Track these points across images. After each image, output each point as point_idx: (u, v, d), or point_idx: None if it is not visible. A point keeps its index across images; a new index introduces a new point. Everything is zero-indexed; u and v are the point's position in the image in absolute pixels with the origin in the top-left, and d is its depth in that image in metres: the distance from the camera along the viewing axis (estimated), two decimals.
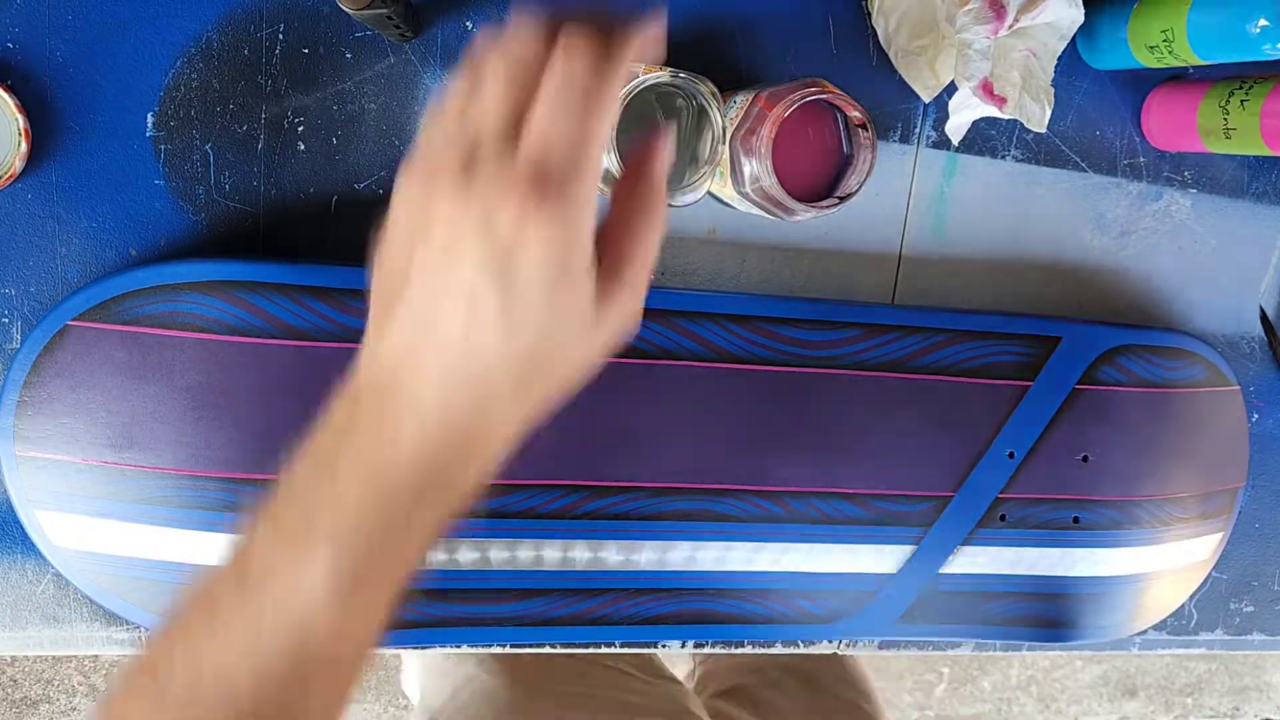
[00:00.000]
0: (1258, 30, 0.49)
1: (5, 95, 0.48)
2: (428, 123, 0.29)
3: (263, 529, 0.29)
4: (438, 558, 0.52)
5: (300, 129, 0.53)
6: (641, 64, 0.47)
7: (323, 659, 0.28)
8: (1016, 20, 0.50)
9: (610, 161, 0.46)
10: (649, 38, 0.30)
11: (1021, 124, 0.61)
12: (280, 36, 0.52)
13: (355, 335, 0.49)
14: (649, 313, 0.53)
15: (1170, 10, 0.53)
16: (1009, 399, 0.59)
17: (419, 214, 0.28)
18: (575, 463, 0.53)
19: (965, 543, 0.59)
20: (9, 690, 1.41)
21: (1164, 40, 0.54)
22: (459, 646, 0.56)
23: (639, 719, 0.72)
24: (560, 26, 0.29)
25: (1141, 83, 0.62)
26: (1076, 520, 0.61)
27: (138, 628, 0.54)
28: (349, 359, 0.28)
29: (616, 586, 0.55)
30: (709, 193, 0.53)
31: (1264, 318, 0.61)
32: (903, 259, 0.61)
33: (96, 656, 1.41)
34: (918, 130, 0.60)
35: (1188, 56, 0.54)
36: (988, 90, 0.51)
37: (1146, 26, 0.55)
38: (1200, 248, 0.66)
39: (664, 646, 0.60)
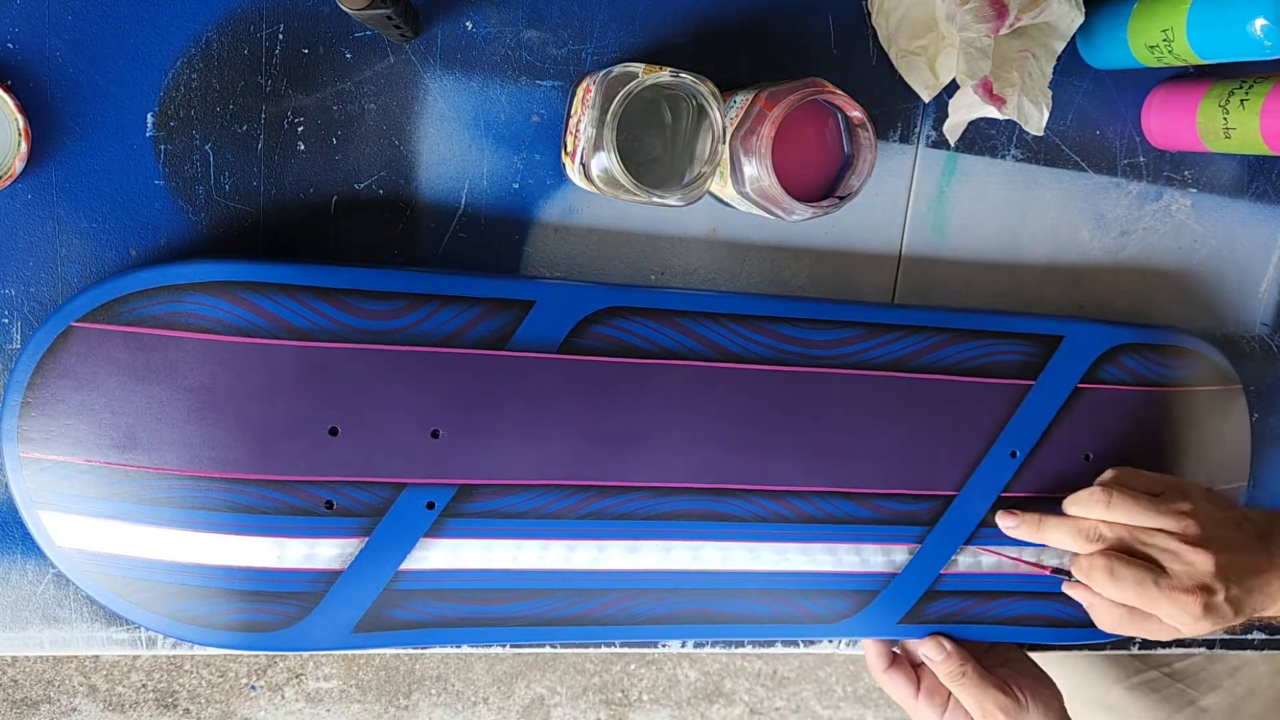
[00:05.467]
0: (1258, 30, 0.49)
1: (5, 95, 0.48)
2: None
3: None
4: (439, 558, 0.52)
5: (300, 129, 0.53)
6: (641, 64, 0.47)
7: None
8: (1018, 19, 0.50)
9: (611, 161, 0.46)
10: None
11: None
12: (280, 36, 0.52)
13: (357, 335, 0.49)
14: (649, 313, 0.53)
15: (1170, 10, 0.53)
16: (1011, 398, 0.59)
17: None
18: (577, 463, 0.53)
19: (968, 542, 0.59)
20: (9, 690, 1.41)
21: (1164, 40, 0.54)
22: (459, 646, 0.56)
23: None
24: None
25: (1141, 83, 0.62)
26: None
27: (138, 628, 0.54)
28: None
29: (619, 586, 0.55)
30: (709, 193, 0.53)
31: None
32: (903, 259, 0.61)
33: (97, 657, 1.41)
34: (918, 130, 0.60)
35: (1188, 56, 0.54)
36: (987, 89, 0.51)
37: (1146, 26, 0.55)
38: (1200, 247, 0.66)
39: (665, 646, 0.60)
